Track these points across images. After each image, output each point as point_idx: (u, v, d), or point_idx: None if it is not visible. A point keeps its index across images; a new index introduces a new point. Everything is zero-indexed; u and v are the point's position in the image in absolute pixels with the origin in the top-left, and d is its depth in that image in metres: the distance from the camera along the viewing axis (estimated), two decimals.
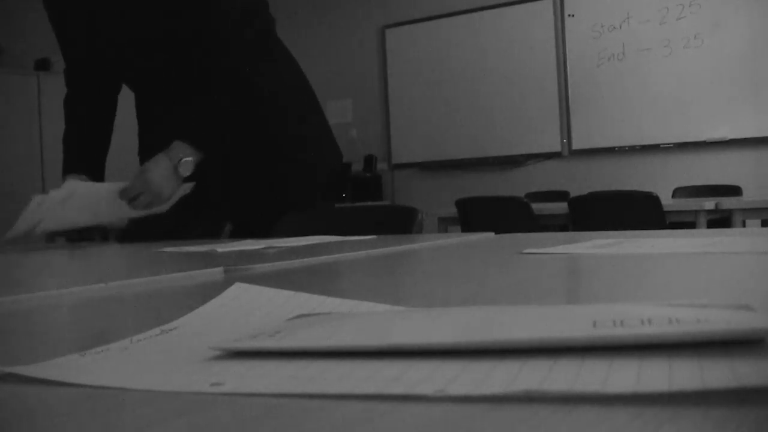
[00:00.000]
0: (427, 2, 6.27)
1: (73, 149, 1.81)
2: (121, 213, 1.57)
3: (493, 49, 5.99)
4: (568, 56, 5.76)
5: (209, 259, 0.94)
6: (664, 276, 0.62)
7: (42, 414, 0.26)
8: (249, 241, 1.26)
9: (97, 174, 1.77)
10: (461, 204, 3.94)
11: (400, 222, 1.53)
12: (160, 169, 1.51)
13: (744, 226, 3.49)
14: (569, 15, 5.77)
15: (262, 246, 1.10)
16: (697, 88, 5.26)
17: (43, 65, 6.22)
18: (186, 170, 1.52)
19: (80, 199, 1.57)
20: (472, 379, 0.26)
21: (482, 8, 6.02)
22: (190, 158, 1.51)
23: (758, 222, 3.77)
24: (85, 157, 1.79)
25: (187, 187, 1.55)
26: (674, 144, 5.36)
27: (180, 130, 1.54)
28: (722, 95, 5.18)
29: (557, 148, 5.82)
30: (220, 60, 1.55)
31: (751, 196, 4.24)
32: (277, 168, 1.67)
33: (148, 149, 1.74)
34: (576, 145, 5.75)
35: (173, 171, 1.51)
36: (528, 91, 5.89)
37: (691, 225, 3.41)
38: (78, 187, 1.56)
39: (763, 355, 0.26)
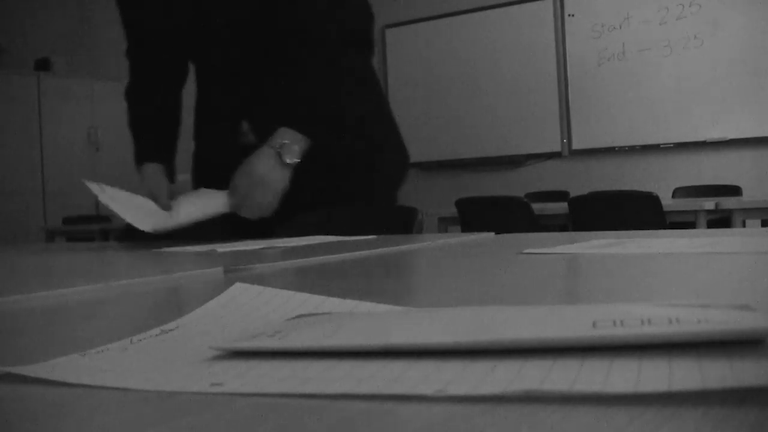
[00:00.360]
0: (427, 2, 6.28)
1: (145, 135, 1.63)
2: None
3: (493, 49, 5.99)
4: (568, 56, 5.76)
5: (209, 259, 0.94)
6: (664, 276, 0.62)
7: (42, 414, 0.26)
8: (249, 241, 1.25)
9: (171, 161, 1.62)
10: (461, 204, 3.94)
11: (400, 222, 1.52)
12: (263, 159, 1.35)
13: (744, 226, 3.49)
14: (569, 15, 5.77)
15: (262, 246, 1.10)
16: (697, 88, 5.26)
17: (43, 65, 6.23)
18: (292, 156, 1.35)
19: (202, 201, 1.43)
20: (472, 379, 0.26)
21: (482, 8, 6.02)
22: (293, 143, 1.35)
23: (758, 222, 3.78)
24: (160, 143, 1.63)
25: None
26: (674, 144, 5.36)
27: (283, 116, 1.39)
28: (722, 95, 5.18)
29: (557, 148, 5.82)
30: (312, 45, 1.42)
31: (751, 196, 4.24)
32: (344, 166, 1.54)
33: (215, 137, 1.61)
34: (576, 145, 5.75)
35: (277, 159, 1.35)
36: (528, 91, 5.89)
37: (691, 225, 3.41)
38: (208, 194, 1.41)
39: (763, 355, 0.26)
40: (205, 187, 1.53)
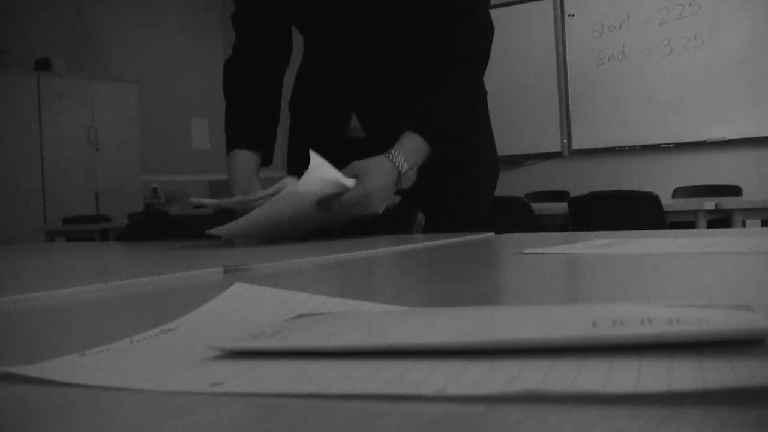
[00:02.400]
0: None
1: (240, 118, 1.46)
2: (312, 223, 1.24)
3: (493, 49, 5.98)
4: (568, 56, 5.76)
5: (209, 259, 0.94)
6: (664, 276, 0.62)
7: (42, 414, 0.26)
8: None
9: (269, 149, 1.47)
10: None
11: (400, 222, 1.52)
12: (385, 178, 1.23)
13: (744, 226, 3.48)
14: (569, 15, 5.77)
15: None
16: (697, 88, 5.26)
17: (43, 65, 6.23)
18: (408, 183, 1.27)
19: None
20: (472, 379, 0.26)
21: None
22: (412, 169, 1.26)
23: (758, 222, 3.77)
24: (257, 127, 1.45)
25: (395, 200, 1.29)
26: (674, 144, 5.36)
27: (414, 121, 1.30)
28: (722, 95, 5.18)
29: (557, 148, 5.82)
30: (467, 40, 1.37)
31: (751, 196, 4.24)
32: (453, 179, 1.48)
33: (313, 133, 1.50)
34: (576, 145, 5.75)
35: (395, 182, 1.25)
36: (528, 91, 5.89)
37: (691, 225, 3.41)
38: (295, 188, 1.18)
39: (763, 355, 0.26)
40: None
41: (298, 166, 1.58)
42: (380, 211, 1.24)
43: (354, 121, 1.46)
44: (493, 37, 1.44)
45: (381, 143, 1.30)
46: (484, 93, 1.55)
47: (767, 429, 0.21)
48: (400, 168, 1.25)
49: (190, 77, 7.48)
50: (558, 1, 5.81)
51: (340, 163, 1.26)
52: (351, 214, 1.22)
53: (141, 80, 6.85)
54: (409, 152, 1.27)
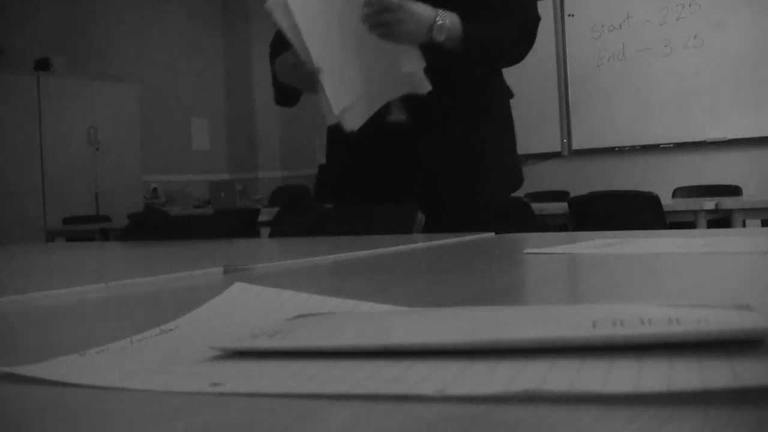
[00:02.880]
0: None
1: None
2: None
3: None
4: (568, 56, 5.75)
5: (209, 259, 0.94)
6: (664, 276, 0.62)
7: (42, 414, 0.26)
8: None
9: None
10: None
11: (400, 222, 1.52)
12: (422, 9, 1.31)
13: (744, 226, 3.48)
14: (569, 15, 5.77)
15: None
16: (697, 88, 5.26)
17: (43, 65, 6.23)
18: (440, 34, 1.32)
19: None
20: (472, 379, 0.26)
21: None
22: (449, 24, 1.32)
23: (758, 222, 3.77)
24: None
25: (423, 86, 1.34)
26: (674, 144, 5.36)
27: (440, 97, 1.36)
28: (722, 95, 5.18)
29: (557, 148, 5.82)
30: None
31: (751, 196, 4.23)
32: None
33: None
34: (576, 145, 5.74)
35: (429, 24, 1.31)
36: (528, 91, 5.88)
37: (691, 225, 3.41)
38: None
39: (763, 355, 0.26)
40: (337, 181, 1.46)
41: (335, 157, 1.58)
42: (403, 39, 1.30)
43: (395, 102, 1.46)
44: (536, 24, 1.52)
45: (423, 127, 1.35)
46: (510, 94, 1.57)
47: (767, 429, 0.21)
48: (437, 15, 1.32)
49: (190, 77, 7.47)
50: (558, 1, 5.80)
51: (382, 151, 1.37)
52: (381, 20, 1.28)
53: (141, 80, 6.85)
54: (450, 14, 1.34)
